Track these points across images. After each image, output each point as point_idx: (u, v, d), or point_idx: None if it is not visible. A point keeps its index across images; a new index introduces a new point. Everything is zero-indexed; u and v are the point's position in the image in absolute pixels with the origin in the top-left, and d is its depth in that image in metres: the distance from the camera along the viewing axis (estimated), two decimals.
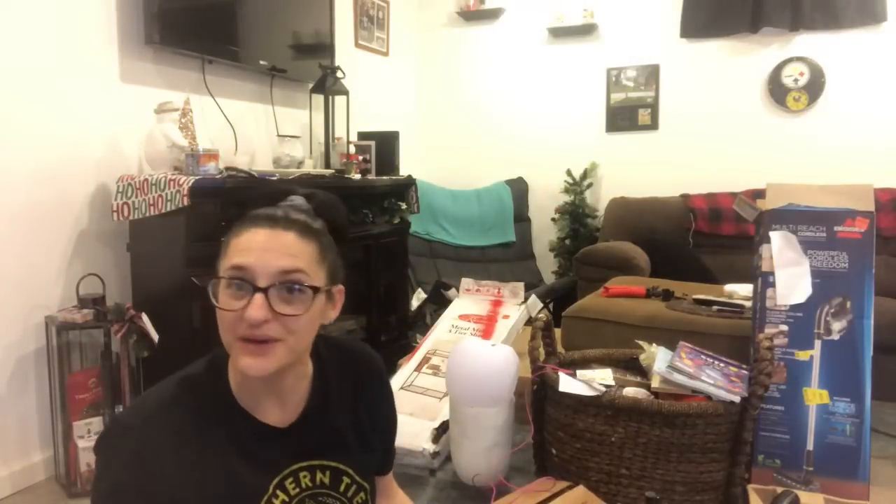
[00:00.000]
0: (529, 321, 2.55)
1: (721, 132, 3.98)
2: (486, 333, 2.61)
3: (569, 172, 4.26)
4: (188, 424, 0.83)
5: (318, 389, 0.94)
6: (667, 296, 2.71)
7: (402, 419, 2.04)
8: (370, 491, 0.98)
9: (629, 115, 4.19)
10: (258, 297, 0.79)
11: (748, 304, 2.34)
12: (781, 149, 3.85)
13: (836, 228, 1.96)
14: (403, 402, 2.34)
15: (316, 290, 0.84)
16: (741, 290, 2.58)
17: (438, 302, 3.34)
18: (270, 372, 0.82)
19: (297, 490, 0.90)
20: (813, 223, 1.98)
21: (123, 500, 0.78)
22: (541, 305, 2.76)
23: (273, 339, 0.81)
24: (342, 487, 0.94)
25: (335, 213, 0.93)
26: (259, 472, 0.86)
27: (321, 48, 3.42)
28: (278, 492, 0.88)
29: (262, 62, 2.96)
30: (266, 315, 0.80)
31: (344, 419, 0.97)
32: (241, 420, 0.86)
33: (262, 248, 0.81)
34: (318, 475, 0.92)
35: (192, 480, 0.80)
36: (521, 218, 4.44)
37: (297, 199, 0.91)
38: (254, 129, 3.09)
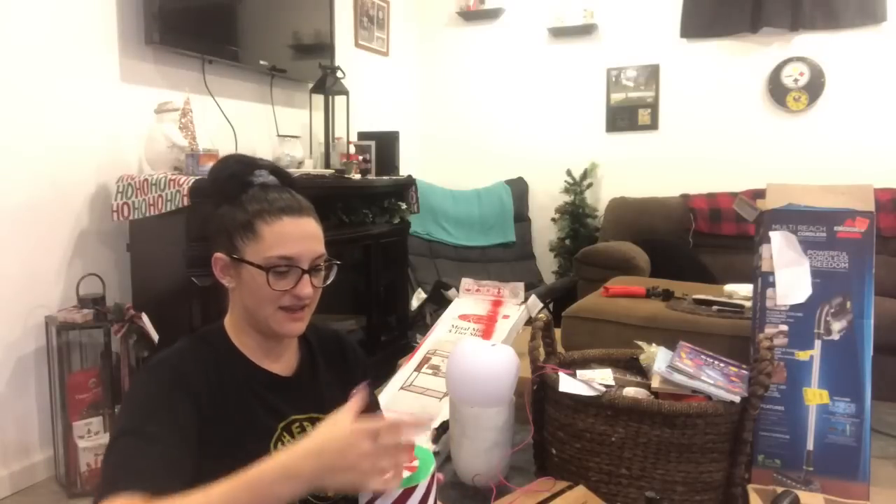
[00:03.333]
0: (529, 321, 2.54)
1: (721, 132, 3.98)
2: (486, 333, 2.61)
3: (569, 172, 4.26)
4: (208, 364, 0.97)
5: (305, 351, 1.11)
6: (667, 296, 2.71)
7: None
8: None
9: (629, 115, 4.19)
10: (306, 278, 0.98)
11: (748, 304, 2.34)
12: (781, 149, 3.85)
13: (836, 228, 1.96)
14: (403, 402, 2.34)
15: (330, 264, 1.03)
16: (741, 290, 2.58)
17: (438, 302, 3.34)
18: (303, 331, 1.03)
19: (303, 435, 1.00)
20: (813, 223, 1.98)
21: (162, 405, 0.89)
22: (541, 305, 2.76)
23: (308, 305, 1.01)
24: None
25: (296, 184, 1.07)
26: (269, 415, 1.00)
27: (321, 48, 3.42)
28: (285, 434, 1.00)
29: (262, 62, 2.96)
30: (311, 289, 0.99)
31: (332, 379, 1.12)
32: (252, 369, 1.02)
33: (300, 237, 0.98)
34: (317, 426, 1.02)
35: (217, 407, 0.94)
36: (521, 218, 4.44)
37: (267, 176, 1.03)
38: (254, 129, 3.09)
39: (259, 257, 0.96)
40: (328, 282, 1.04)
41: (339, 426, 0.79)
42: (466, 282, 2.90)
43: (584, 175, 4.24)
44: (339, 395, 1.09)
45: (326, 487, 0.80)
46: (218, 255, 1.00)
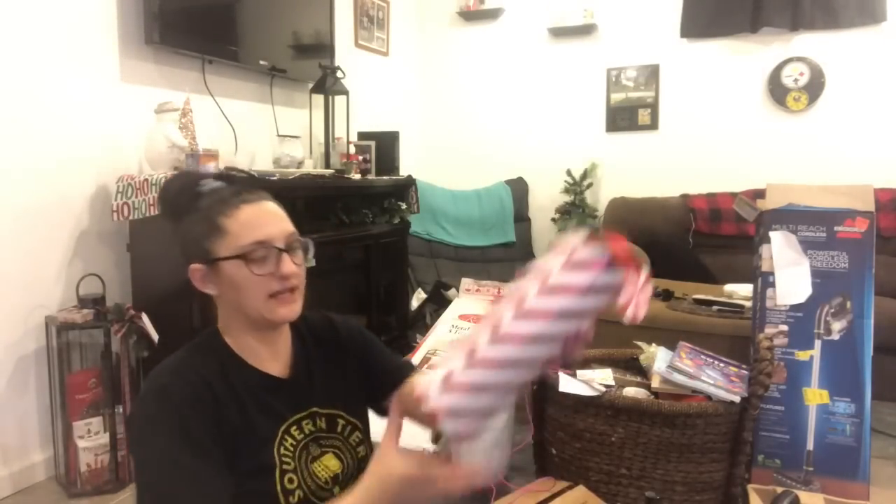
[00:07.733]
0: None
1: (721, 132, 3.98)
2: None
3: (569, 172, 4.26)
4: (205, 376, 0.95)
5: (298, 346, 1.08)
6: (667, 296, 2.71)
7: None
8: (363, 429, 1.11)
9: (629, 115, 4.19)
10: (286, 255, 0.97)
11: (748, 304, 2.34)
12: (781, 149, 3.85)
13: (836, 228, 1.96)
14: None
15: (306, 242, 1.02)
16: (741, 290, 2.58)
17: (438, 302, 3.34)
18: (298, 314, 1.00)
19: (302, 435, 1.01)
20: (813, 223, 1.98)
21: (174, 436, 0.88)
22: None
23: (297, 286, 0.99)
24: (339, 429, 1.07)
25: (247, 183, 1.06)
26: (269, 419, 0.98)
27: (321, 48, 3.42)
28: (286, 437, 0.99)
29: (262, 62, 2.96)
30: (295, 267, 0.98)
31: (329, 367, 1.10)
32: (249, 372, 1.00)
33: (265, 219, 0.97)
34: (318, 422, 1.04)
35: (222, 416, 0.92)
36: (522, 218, 4.44)
37: (214, 183, 1.02)
38: (254, 129, 3.09)
39: (232, 249, 0.95)
40: (309, 258, 1.03)
41: (391, 469, 0.82)
42: (466, 282, 2.90)
43: (584, 175, 4.24)
44: (337, 382, 1.09)
45: None
46: (193, 266, 0.99)
